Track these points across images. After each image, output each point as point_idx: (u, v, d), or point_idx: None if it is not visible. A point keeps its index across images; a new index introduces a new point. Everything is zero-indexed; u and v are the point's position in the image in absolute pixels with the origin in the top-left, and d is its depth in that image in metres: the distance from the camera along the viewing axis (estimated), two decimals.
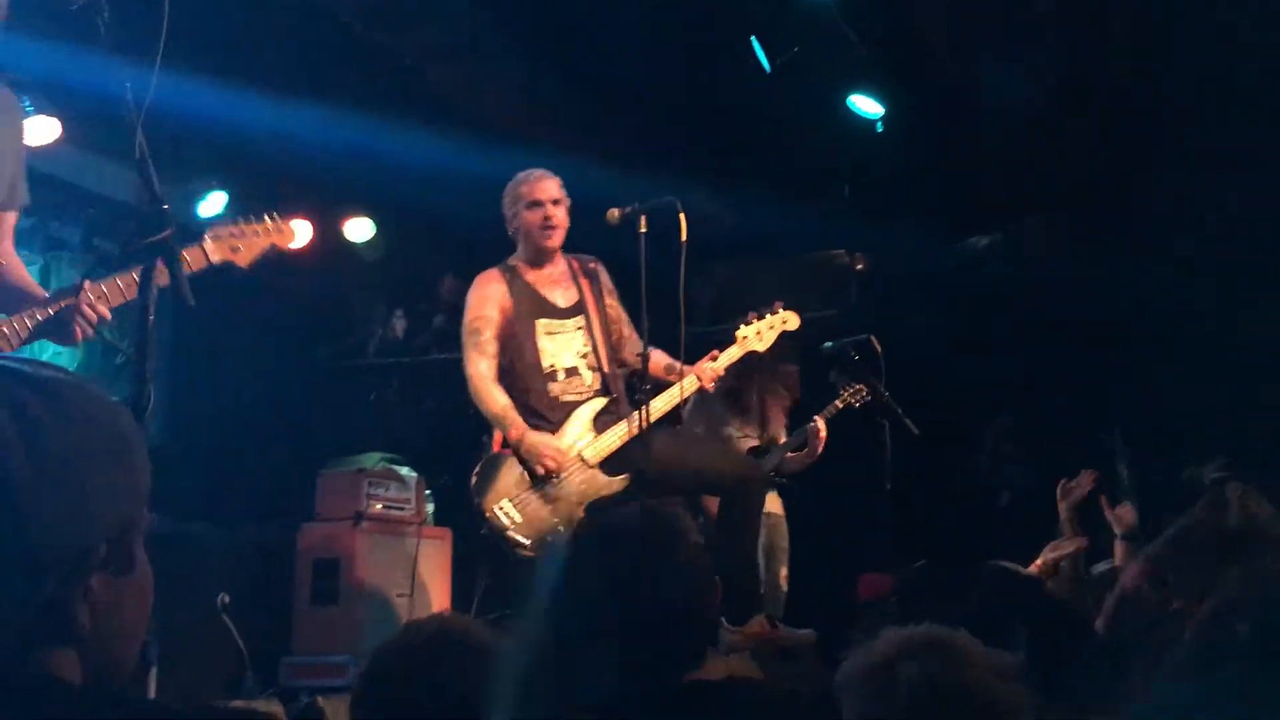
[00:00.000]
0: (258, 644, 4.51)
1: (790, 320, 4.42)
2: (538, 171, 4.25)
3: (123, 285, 2.69)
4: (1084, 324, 6.26)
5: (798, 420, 5.42)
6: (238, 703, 2.78)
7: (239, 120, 5.34)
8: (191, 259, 2.80)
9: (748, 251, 7.23)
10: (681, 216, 3.92)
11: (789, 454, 5.25)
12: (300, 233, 6.53)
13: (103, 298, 2.67)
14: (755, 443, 5.31)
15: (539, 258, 4.24)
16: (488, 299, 4.17)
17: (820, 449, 5.17)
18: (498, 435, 4.14)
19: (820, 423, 5.18)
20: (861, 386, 5.19)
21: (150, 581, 1.07)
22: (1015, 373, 6.62)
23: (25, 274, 2.89)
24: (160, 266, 2.24)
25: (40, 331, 2.68)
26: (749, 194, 6.93)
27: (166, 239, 2.19)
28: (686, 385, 4.13)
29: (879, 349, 5.25)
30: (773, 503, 5.29)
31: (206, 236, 2.89)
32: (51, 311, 2.67)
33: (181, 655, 4.21)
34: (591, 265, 4.34)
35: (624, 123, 6.24)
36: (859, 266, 7.24)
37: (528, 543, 3.92)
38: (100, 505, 0.98)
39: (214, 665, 4.30)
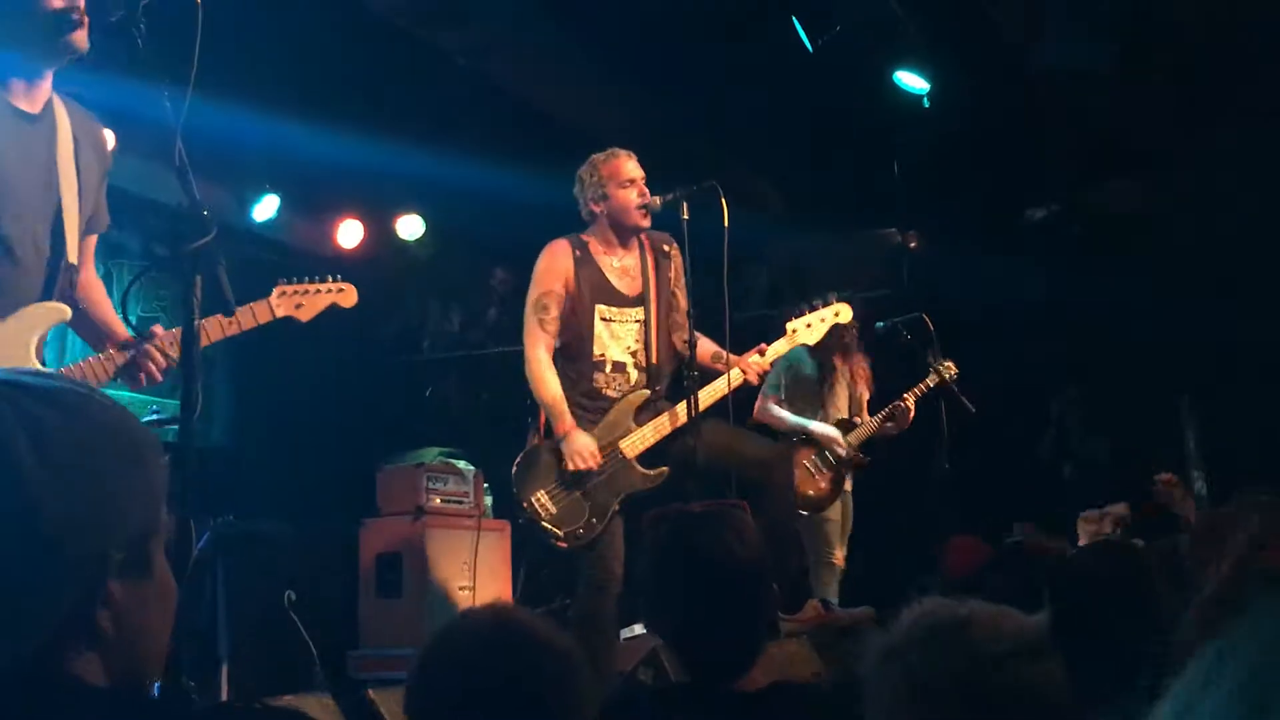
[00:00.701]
0: (325, 638, 4.58)
1: (843, 312, 4.36)
2: (620, 150, 4.13)
3: (224, 324, 2.85)
4: (1150, 293, 6.13)
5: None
6: (287, 698, 2.82)
7: (290, 124, 5.40)
8: (258, 313, 3.03)
9: (799, 232, 7.19)
10: (723, 201, 3.88)
11: (877, 428, 5.31)
12: (344, 236, 6.67)
13: (173, 343, 2.78)
14: (844, 415, 5.36)
15: (621, 237, 4.13)
16: (557, 271, 4.07)
17: (908, 423, 5.26)
18: (540, 427, 4.12)
19: (910, 401, 5.25)
20: (951, 364, 5.21)
21: (172, 584, 1.08)
22: (1078, 345, 6.52)
23: (106, 304, 2.99)
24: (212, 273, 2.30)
25: (119, 374, 2.81)
26: (798, 175, 6.89)
27: (208, 244, 2.25)
28: (735, 376, 4.10)
29: (932, 327, 5.21)
30: (847, 482, 5.38)
31: (274, 293, 3.10)
32: (130, 356, 2.80)
33: (251, 651, 4.30)
34: (665, 246, 4.22)
35: (670, 107, 6.22)
36: (911, 244, 7.17)
37: (561, 533, 3.92)
38: (117, 512, 1.00)
39: (283, 660, 4.37)
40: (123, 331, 2.92)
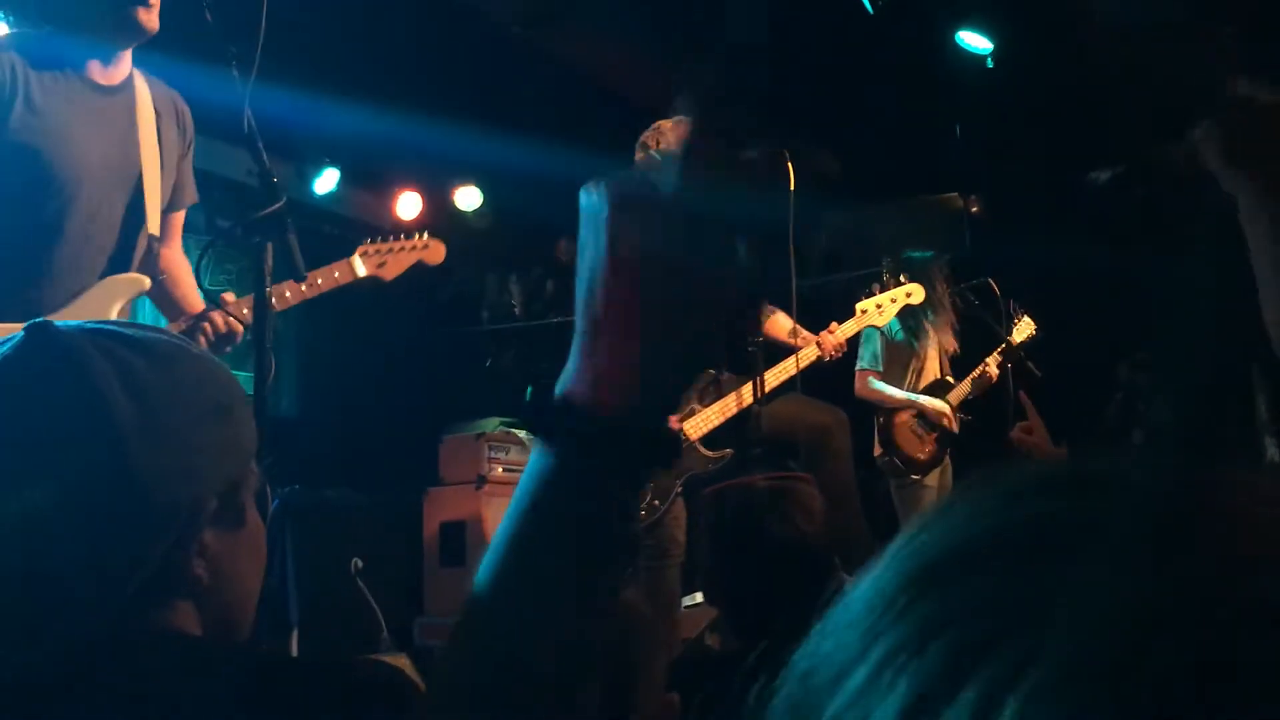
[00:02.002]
0: (392, 606, 4.65)
1: (915, 293, 4.31)
2: (687, 120, 4.08)
3: (290, 292, 2.82)
4: (1219, 254, 5.97)
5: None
6: (371, 657, 2.84)
7: (349, 98, 5.43)
8: (339, 273, 2.98)
9: (858, 198, 7.09)
10: (790, 166, 3.85)
11: (970, 390, 5.30)
12: (404, 208, 6.69)
13: (244, 308, 2.75)
14: (938, 375, 5.32)
15: None
16: None
17: (989, 385, 5.25)
18: None
19: (992, 365, 5.24)
20: (1029, 320, 5.16)
21: (263, 535, 1.09)
22: (1146, 311, 6.37)
23: (189, 280, 2.98)
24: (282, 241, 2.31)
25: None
26: (857, 139, 6.79)
27: (279, 211, 2.26)
28: (805, 356, 4.07)
29: (998, 292, 5.14)
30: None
31: (356, 253, 3.05)
32: (196, 323, 2.79)
33: (321, 618, 4.38)
34: None
35: (727, 73, 6.16)
36: (974, 209, 7.04)
37: None
38: (209, 462, 0.99)
39: (351, 627, 4.45)
40: (202, 306, 2.91)
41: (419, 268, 3.16)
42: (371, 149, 6.30)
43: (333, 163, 6.28)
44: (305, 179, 6.27)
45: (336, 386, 6.56)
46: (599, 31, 5.92)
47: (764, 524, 1.83)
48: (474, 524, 4.95)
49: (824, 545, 1.89)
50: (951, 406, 5.15)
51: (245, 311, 2.71)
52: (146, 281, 2.76)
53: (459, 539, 4.96)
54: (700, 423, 4.01)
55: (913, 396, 5.13)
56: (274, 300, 2.78)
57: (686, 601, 4.33)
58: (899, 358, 5.28)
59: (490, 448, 5.16)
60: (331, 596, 4.45)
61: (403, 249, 3.13)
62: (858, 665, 0.37)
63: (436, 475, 5.20)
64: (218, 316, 2.77)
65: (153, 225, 2.77)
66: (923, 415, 5.14)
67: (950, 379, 5.28)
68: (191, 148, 2.96)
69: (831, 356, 4.17)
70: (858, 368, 5.16)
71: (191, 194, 2.96)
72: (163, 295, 2.94)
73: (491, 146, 6.14)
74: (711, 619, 3.17)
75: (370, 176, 6.74)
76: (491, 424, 5.42)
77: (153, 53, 2.81)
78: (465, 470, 5.09)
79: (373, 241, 3.09)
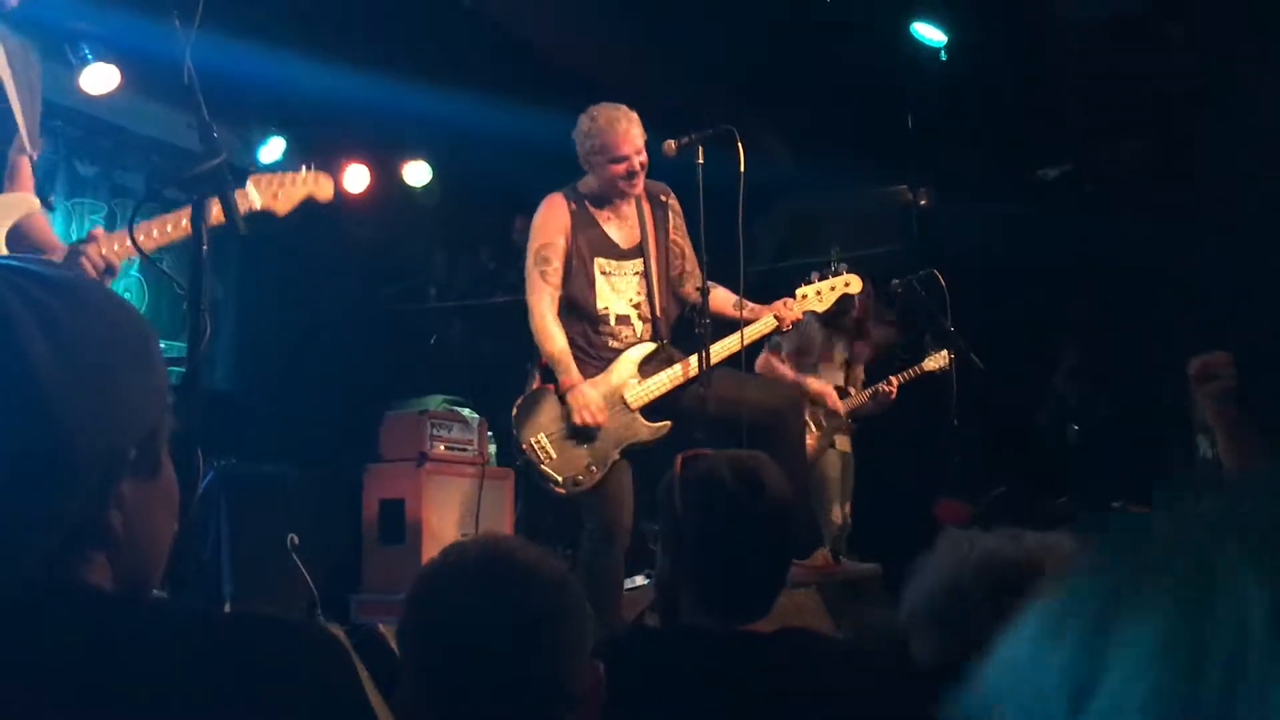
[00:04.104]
0: (328, 582, 4.60)
1: (853, 283, 4.33)
2: (621, 117, 3.98)
3: (171, 224, 2.73)
4: (1156, 253, 6.07)
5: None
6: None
7: (296, 66, 5.34)
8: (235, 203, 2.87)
9: (809, 188, 7.12)
10: (740, 144, 3.84)
11: (863, 404, 5.37)
12: (351, 181, 6.58)
13: (115, 244, 2.67)
14: (839, 384, 5.38)
15: (613, 197, 4.11)
16: (555, 224, 4.06)
17: (888, 404, 5.32)
18: (539, 371, 4.10)
19: (894, 385, 5.31)
20: (945, 352, 5.21)
21: (175, 486, 1.03)
22: (1083, 306, 6.47)
23: (45, 227, 2.88)
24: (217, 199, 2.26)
25: None
26: (809, 129, 6.81)
27: (219, 166, 2.19)
28: (764, 325, 4.09)
29: (944, 284, 5.19)
30: (844, 442, 5.38)
31: (249, 181, 2.98)
32: (69, 258, 2.68)
33: (254, 593, 4.32)
34: (662, 197, 4.19)
35: (680, 54, 6.14)
36: (922, 201, 7.10)
37: (559, 479, 3.92)
38: (129, 408, 0.95)
39: (286, 602, 4.39)
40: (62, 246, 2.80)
41: (311, 206, 3.09)
42: (319, 119, 6.20)
43: (279, 131, 6.17)
44: (250, 146, 6.15)
45: (276, 359, 6.46)
46: (551, 6, 5.87)
47: (736, 496, 1.82)
48: (413, 501, 4.90)
49: (790, 511, 1.88)
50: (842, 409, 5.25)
51: (116, 247, 2.65)
52: (37, 202, 2.67)
53: (398, 516, 4.91)
54: (642, 393, 4.00)
55: (798, 378, 5.22)
56: (169, 228, 2.70)
57: (627, 584, 4.33)
58: (807, 351, 5.38)
59: (432, 425, 5.11)
60: (266, 571, 4.39)
61: (294, 182, 3.06)
62: (1097, 678, 0.40)
63: (377, 451, 5.14)
64: (92, 249, 2.66)
65: (30, 148, 2.71)
66: (813, 404, 5.22)
67: (852, 390, 5.38)
68: (40, 96, 2.89)
69: (789, 325, 4.21)
70: (766, 346, 5.24)
71: (39, 141, 2.90)
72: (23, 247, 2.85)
73: (441, 121, 6.08)
74: (653, 599, 3.17)
75: (317, 147, 6.61)
76: (435, 401, 5.37)
77: (95, 10, 2.74)
78: (406, 447, 5.04)
79: (264, 172, 3.02)
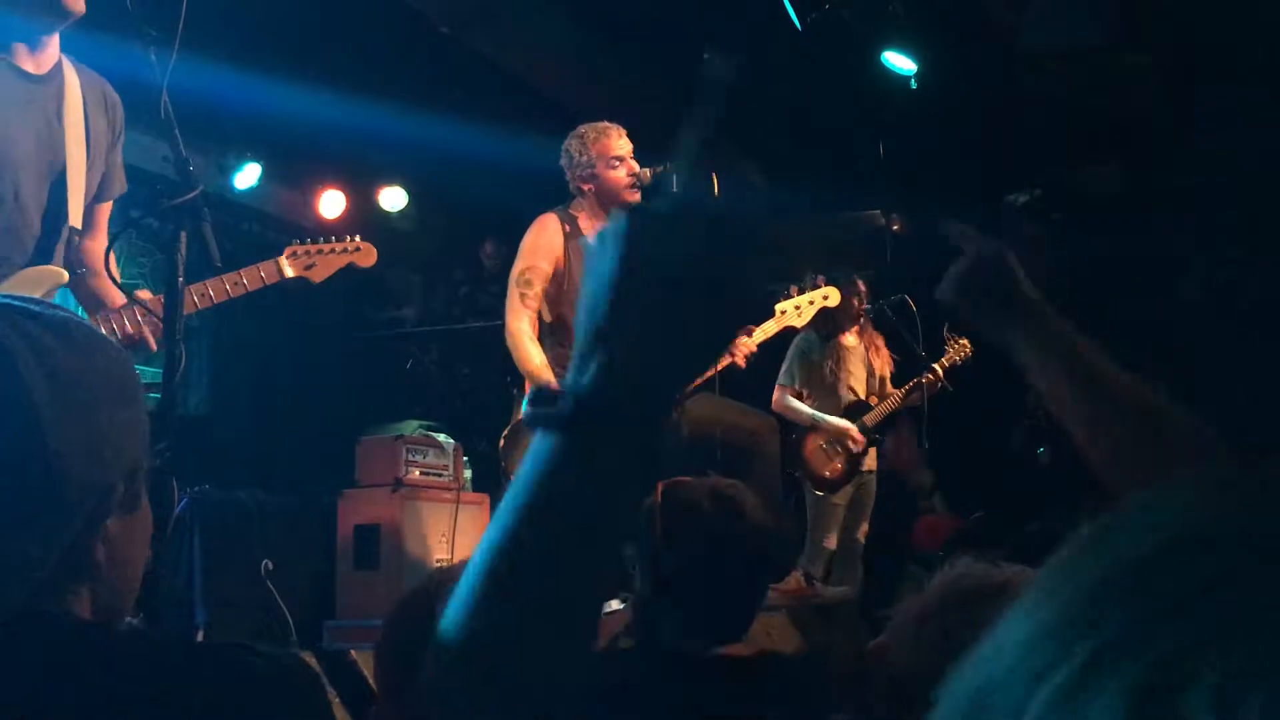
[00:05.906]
0: (302, 608, 4.57)
1: (831, 296, 4.36)
2: (610, 126, 4.04)
3: (229, 285, 2.76)
4: (1128, 278, 6.15)
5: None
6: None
7: (272, 91, 5.35)
8: (265, 273, 2.92)
9: (782, 213, 7.18)
10: (714, 175, 3.87)
11: (900, 403, 5.37)
12: (326, 207, 6.58)
13: (150, 311, 2.68)
14: (859, 396, 5.38)
15: (607, 213, 4.11)
16: (544, 248, 4.03)
17: (935, 392, 5.31)
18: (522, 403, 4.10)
19: (939, 373, 5.30)
20: (964, 340, 5.21)
21: (150, 519, 1.07)
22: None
23: (106, 280, 2.89)
24: (197, 231, 2.27)
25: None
26: (782, 155, 6.87)
27: (195, 199, 2.21)
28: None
29: (915, 309, 5.24)
30: (871, 459, 5.40)
31: (284, 253, 2.99)
32: (118, 319, 2.72)
33: (228, 620, 4.29)
34: None
35: (654, 79, 6.19)
36: (894, 226, 7.18)
37: None
38: (117, 445, 0.98)
39: (259, 629, 4.37)
40: (122, 301, 2.82)
41: (349, 269, 3.12)
42: (295, 145, 6.21)
43: (254, 157, 6.17)
44: (226, 173, 6.15)
45: (251, 385, 6.44)
46: (528, 34, 5.91)
47: (714, 523, 1.84)
48: (389, 527, 4.88)
49: (771, 534, 1.90)
50: (865, 427, 5.22)
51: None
52: (64, 274, 2.69)
53: (373, 542, 4.89)
54: None
55: (817, 416, 5.20)
56: (195, 298, 2.73)
57: (604, 609, 4.33)
58: (819, 379, 5.35)
59: (408, 450, 5.10)
60: (240, 598, 4.36)
61: (333, 251, 3.08)
62: (1056, 669, 0.40)
63: (352, 477, 5.13)
64: (128, 318, 2.70)
65: (74, 217, 2.70)
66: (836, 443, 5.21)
67: (873, 400, 5.35)
68: (121, 139, 2.89)
69: (743, 359, 4.19)
70: (778, 382, 5.23)
71: (120, 185, 2.89)
72: (84, 288, 2.86)
73: (417, 147, 6.09)
74: (627, 623, 3.17)
75: (293, 173, 6.64)
76: (410, 426, 5.36)
77: (68, 34, 2.75)
78: (381, 472, 5.02)
79: (301, 242, 3.04)
